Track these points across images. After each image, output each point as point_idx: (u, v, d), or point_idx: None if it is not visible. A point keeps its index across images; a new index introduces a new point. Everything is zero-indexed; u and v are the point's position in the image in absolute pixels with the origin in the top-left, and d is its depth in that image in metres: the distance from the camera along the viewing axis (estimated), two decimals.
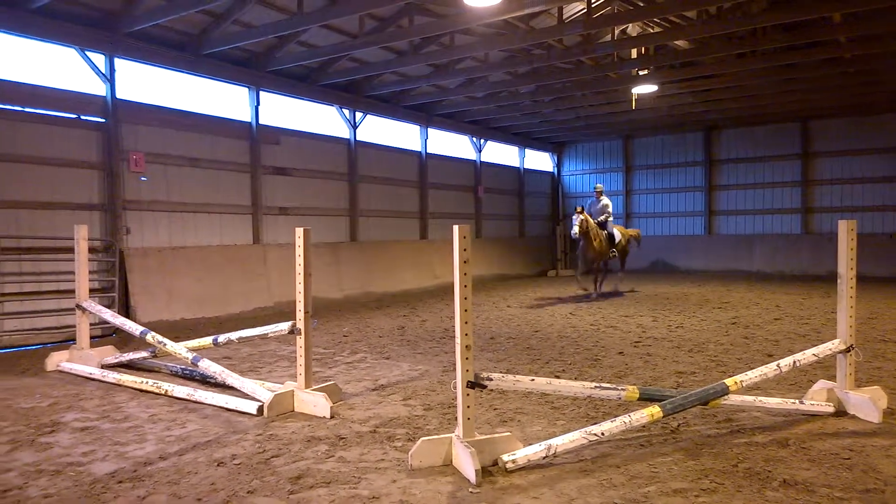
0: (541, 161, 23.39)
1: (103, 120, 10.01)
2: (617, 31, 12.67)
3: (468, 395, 3.84)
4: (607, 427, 4.03)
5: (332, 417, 4.98)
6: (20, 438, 4.58)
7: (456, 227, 3.84)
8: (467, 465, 3.66)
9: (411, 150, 17.00)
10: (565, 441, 3.95)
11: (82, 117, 9.80)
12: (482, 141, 19.67)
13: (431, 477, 3.75)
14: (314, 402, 5.12)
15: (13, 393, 5.93)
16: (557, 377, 6.15)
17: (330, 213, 14.37)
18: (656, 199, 21.77)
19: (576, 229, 12.53)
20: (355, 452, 4.20)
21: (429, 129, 17.30)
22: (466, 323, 3.81)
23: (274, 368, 6.95)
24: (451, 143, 18.81)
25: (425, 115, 16.82)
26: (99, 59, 9.94)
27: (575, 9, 12.10)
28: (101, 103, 10.00)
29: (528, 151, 22.22)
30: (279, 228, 13.00)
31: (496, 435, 3.98)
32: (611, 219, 13.81)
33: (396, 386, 6.03)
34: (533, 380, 4.16)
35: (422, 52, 12.46)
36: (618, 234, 13.83)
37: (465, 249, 3.84)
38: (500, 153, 21.14)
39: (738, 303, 12.06)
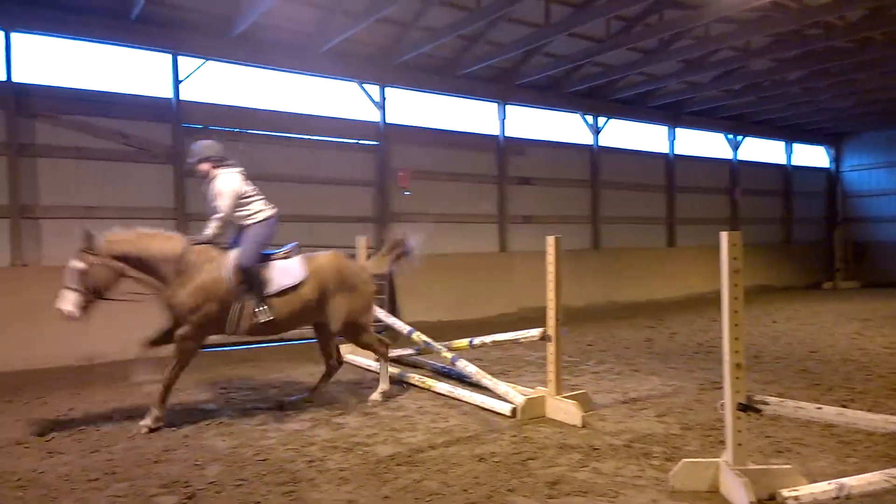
0: (813, 156, 20.44)
1: (377, 143, 11.41)
2: None
3: (739, 418, 3.51)
4: None
5: (583, 427, 4.95)
6: (318, 417, 5.40)
7: (724, 234, 3.55)
8: (739, 495, 3.34)
9: (657, 153, 16.18)
10: (861, 482, 3.35)
11: (360, 142, 11.29)
12: (739, 138, 17.88)
13: (695, 502, 3.50)
14: (565, 410, 5.15)
15: (314, 377, 7.00)
16: (845, 407, 5.28)
17: (572, 220, 14.36)
18: None
19: None
20: (610, 465, 4.11)
21: (676, 128, 16.29)
22: (737, 339, 3.49)
23: (522, 373, 7.15)
24: (702, 143, 17.44)
25: (673, 114, 15.86)
26: (374, 90, 11.37)
27: None
28: (374, 128, 11.42)
29: (796, 146, 19.61)
30: (523, 236, 13.38)
31: (773, 466, 3.57)
32: None
33: (648, 400, 5.77)
34: (820, 408, 3.64)
35: (672, 47, 11.80)
36: None
37: (735, 258, 3.52)
38: (761, 150, 19.00)
39: None
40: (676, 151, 16.39)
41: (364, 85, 11.24)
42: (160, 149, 9.41)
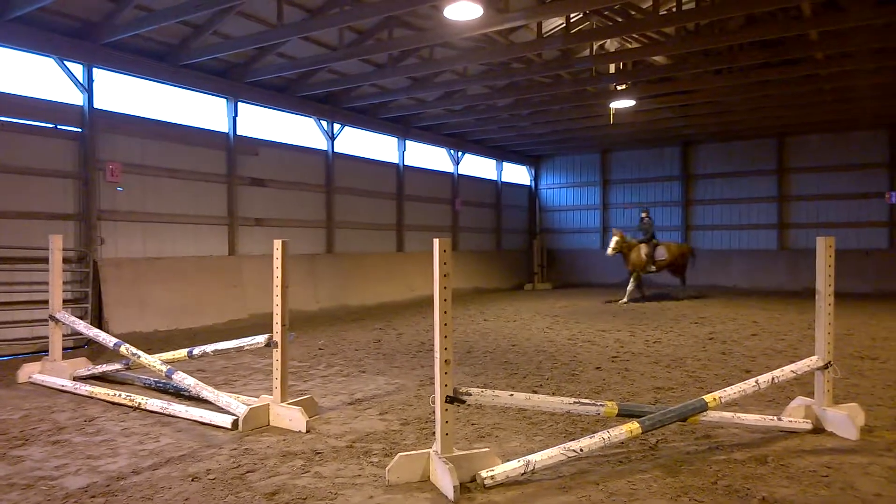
0: (519, 174, 23.59)
1: (80, 129, 9.87)
2: (595, 46, 12.90)
3: (447, 410, 3.84)
4: (586, 443, 4.05)
5: (307, 432, 4.93)
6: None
7: (436, 241, 3.86)
8: (445, 481, 3.66)
9: (389, 162, 17.03)
10: (544, 457, 3.96)
11: (59, 127, 9.65)
12: (460, 153, 19.78)
13: (409, 493, 3.73)
14: (290, 417, 5.07)
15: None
16: (535, 392, 6.17)
17: (307, 224, 14.30)
18: (633, 213, 22.08)
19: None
20: (331, 468, 4.16)
21: (407, 141, 17.36)
22: (446, 337, 3.82)
23: (249, 382, 6.86)
24: (429, 156, 18.90)
25: (403, 127, 16.87)
26: (77, 69, 9.82)
27: (554, 23, 12.29)
28: (78, 113, 9.86)
29: (505, 164, 22.40)
30: (255, 239, 12.90)
31: (474, 451, 3.98)
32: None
33: (373, 400, 6.00)
34: (512, 395, 4.18)
35: (400, 64, 12.53)
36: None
37: (445, 263, 3.85)
38: (478, 166, 21.29)
39: (715, 318, 12.23)
40: (407, 162, 17.45)
41: (65, 62, 9.65)
42: None
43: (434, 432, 3.94)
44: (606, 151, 22.32)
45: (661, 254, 15.66)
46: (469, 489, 3.75)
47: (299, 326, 10.93)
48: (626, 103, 14.28)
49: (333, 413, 5.53)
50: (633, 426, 4.16)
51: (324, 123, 14.67)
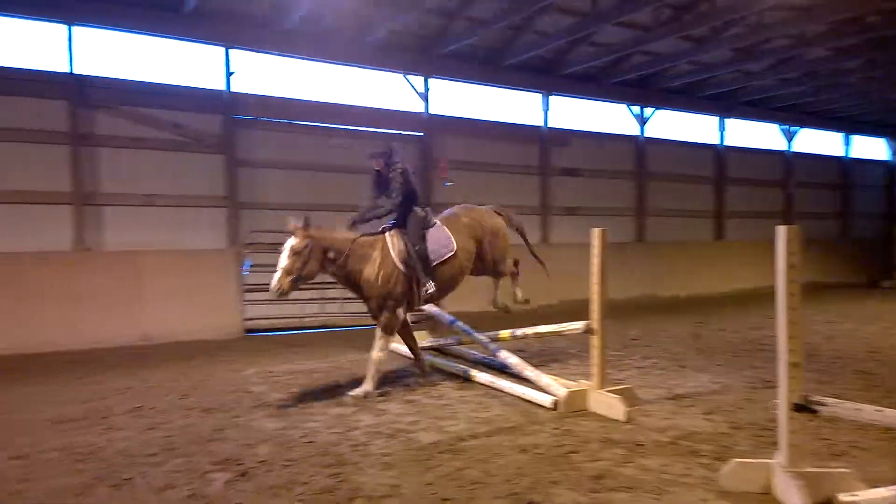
0: (871, 149, 19.57)
1: (420, 134, 11.45)
2: None
3: (793, 418, 3.40)
4: None
5: (627, 422, 4.88)
6: (361, 404, 5.48)
7: (781, 228, 3.43)
8: (793, 498, 3.24)
9: (705, 144, 15.75)
10: None
11: (404, 133, 11.34)
12: (794, 128, 17.25)
13: None
14: (609, 404, 5.08)
15: (358, 364, 7.09)
16: None
17: (616, 212, 14.14)
18: None
19: None
20: (656, 462, 4.05)
21: (727, 119, 15.82)
22: (794, 337, 3.37)
23: (565, 366, 7.10)
24: (754, 134, 16.89)
25: (724, 104, 15.40)
26: (418, 81, 11.39)
27: None
28: (418, 119, 11.45)
29: (854, 138, 18.79)
30: (565, 228, 13.25)
31: (830, 470, 3.45)
32: None
33: (696, 398, 5.65)
34: (880, 410, 3.50)
35: (723, 35, 11.44)
36: None
37: (792, 253, 3.40)
38: (817, 142, 18.30)
39: None
40: (727, 143, 15.93)
41: (408, 76, 11.28)
42: (212, 139, 9.65)
43: (774, 441, 3.53)
44: None
45: None
46: None
47: (609, 315, 10.86)
48: None
49: (653, 406, 5.37)
50: None
51: (635, 108, 14.28)
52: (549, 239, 13.01)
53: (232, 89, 9.77)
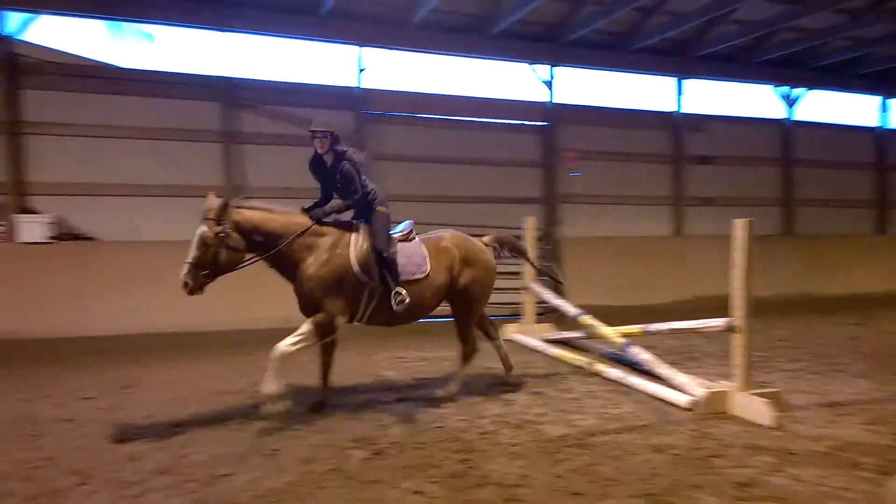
0: None
1: (545, 123, 11.28)
2: None
3: None
4: None
5: (775, 428, 4.50)
6: (488, 392, 5.50)
7: None
8: None
9: (863, 127, 14.18)
10: None
11: (528, 123, 11.23)
12: None
13: None
14: (754, 408, 4.71)
15: (484, 355, 7.12)
16: None
17: (759, 203, 13.11)
18: None
19: None
20: (811, 473, 3.70)
21: (890, 99, 14.09)
22: None
23: (700, 364, 6.69)
24: None
25: (885, 82, 13.72)
26: (543, 70, 11.22)
27: None
28: (542, 109, 11.29)
29: None
30: (700, 220, 12.50)
31: None
32: None
33: (855, 406, 5.09)
34: None
35: (884, 6, 10.17)
36: None
37: None
38: None
39: None
40: (891, 125, 14.21)
41: (533, 65, 11.14)
42: (345, 134, 10.13)
43: None
44: None
45: None
46: None
47: (752, 313, 10.11)
48: None
49: (804, 413, 4.91)
50: None
51: (781, 90, 13.13)
52: (682, 230, 12.33)
53: (362, 85, 10.18)
